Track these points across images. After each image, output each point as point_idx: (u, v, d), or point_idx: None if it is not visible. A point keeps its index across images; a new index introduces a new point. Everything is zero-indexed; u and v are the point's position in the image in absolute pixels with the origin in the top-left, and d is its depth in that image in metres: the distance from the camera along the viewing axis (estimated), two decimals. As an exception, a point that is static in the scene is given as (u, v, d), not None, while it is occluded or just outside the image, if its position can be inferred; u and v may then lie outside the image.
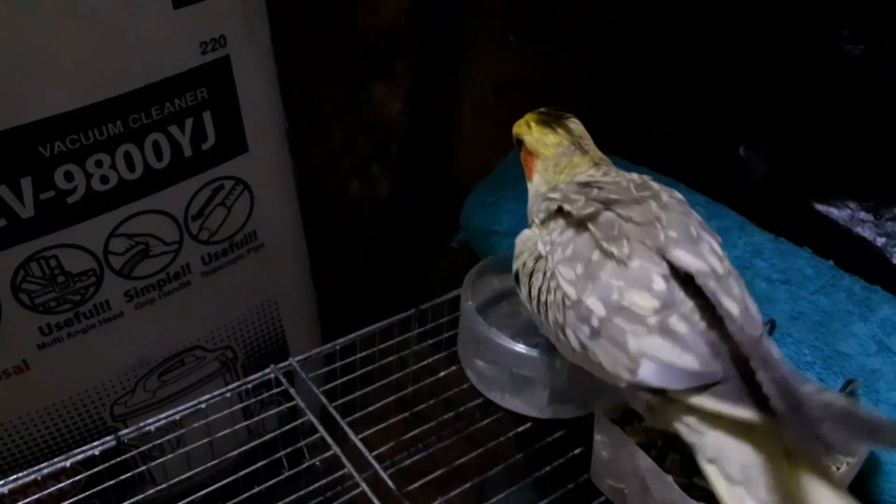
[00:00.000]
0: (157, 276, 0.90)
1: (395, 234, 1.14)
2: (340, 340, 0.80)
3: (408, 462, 0.69)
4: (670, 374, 0.50)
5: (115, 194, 0.81)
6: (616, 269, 0.55)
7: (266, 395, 0.76)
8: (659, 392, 0.51)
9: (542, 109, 0.70)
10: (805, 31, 0.84)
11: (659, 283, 0.53)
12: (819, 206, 0.83)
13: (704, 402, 0.48)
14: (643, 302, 0.53)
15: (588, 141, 0.68)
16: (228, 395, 0.75)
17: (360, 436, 0.70)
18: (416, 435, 0.73)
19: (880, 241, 0.81)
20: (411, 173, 1.16)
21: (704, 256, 0.54)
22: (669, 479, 0.60)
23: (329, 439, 0.69)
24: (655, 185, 0.62)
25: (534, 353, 0.70)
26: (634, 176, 0.64)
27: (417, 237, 1.12)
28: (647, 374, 0.51)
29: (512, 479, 0.69)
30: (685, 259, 0.54)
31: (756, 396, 0.45)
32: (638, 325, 0.52)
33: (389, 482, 0.64)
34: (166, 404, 0.98)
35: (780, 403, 0.43)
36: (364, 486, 0.63)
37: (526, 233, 0.67)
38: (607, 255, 0.56)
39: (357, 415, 0.74)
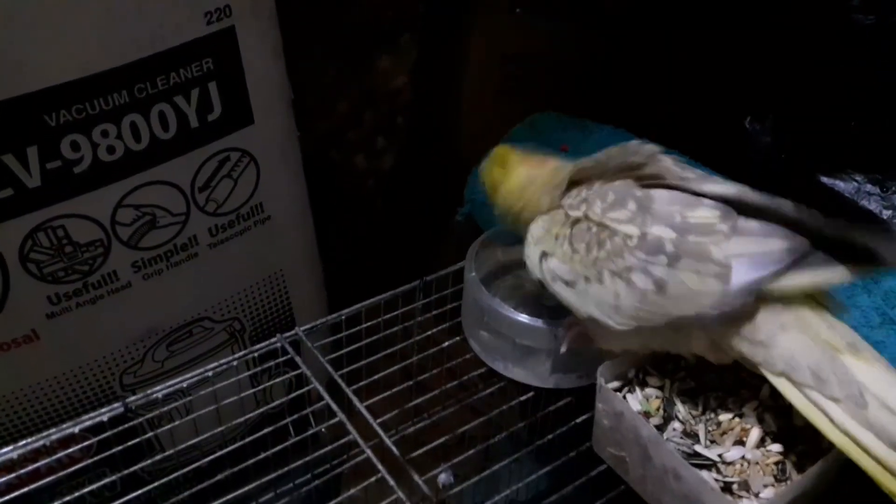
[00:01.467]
0: (164, 248, 0.90)
1: (400, 207, 1.14)
2: (346, 311, 0.80)
3: (412, 430, 0.70)
4: (764, 261, 0.54)
5: (121, 165, 0.81)
6: (666, 196, 0.59)
7: (272, 363, 0.77)
8: (750, 294, 0.54)
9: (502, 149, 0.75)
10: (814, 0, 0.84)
11: (708, 201, 0.58)
12: (825, 179, 0.82)
13: (802, 278, 0.54)
14: (708, 214, 0.57)
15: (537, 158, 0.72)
16: (235, 363, 0.76)
17: (364, 404, 0.70)
18: (420, 404, 0.74)
19: (886, 213, 0.81)
20: (416, 146, 1.16)
21: (728, 183, 0.60)
22: (671, 446, 0.61)
23: (335, 407, 0.69)
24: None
25: (538, 322, 0.70)
26: None
27: (422, 210, 1.12)
28: (742, 271, 0.54)
29: (515, 448, 0.70)
30: (717, 188, 0.59)
31: (848, 254, 0.52)
32: (713, 236, 0.56)
33: (394, 449, 0.65)
34: (175, 374, 0.99)
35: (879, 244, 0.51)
36: (369, 452, 0.63)
37: (535, 224, 0.67)
38: (653, 186, 0.60)
39: (362, 383, 0.75)
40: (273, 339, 0.77)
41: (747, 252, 0.55)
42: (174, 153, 0.85)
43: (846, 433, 0.52)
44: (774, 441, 0.63)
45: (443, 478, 0.73)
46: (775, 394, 0.66)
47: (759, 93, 0.90)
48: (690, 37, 0.99)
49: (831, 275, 0.54)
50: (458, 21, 1.10)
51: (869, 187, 0.81)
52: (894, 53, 0.79)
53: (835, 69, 0.84)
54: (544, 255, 0.65)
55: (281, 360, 0.76)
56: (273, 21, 0.88)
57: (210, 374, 0.74)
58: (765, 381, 0.66)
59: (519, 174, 0.70)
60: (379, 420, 0.69)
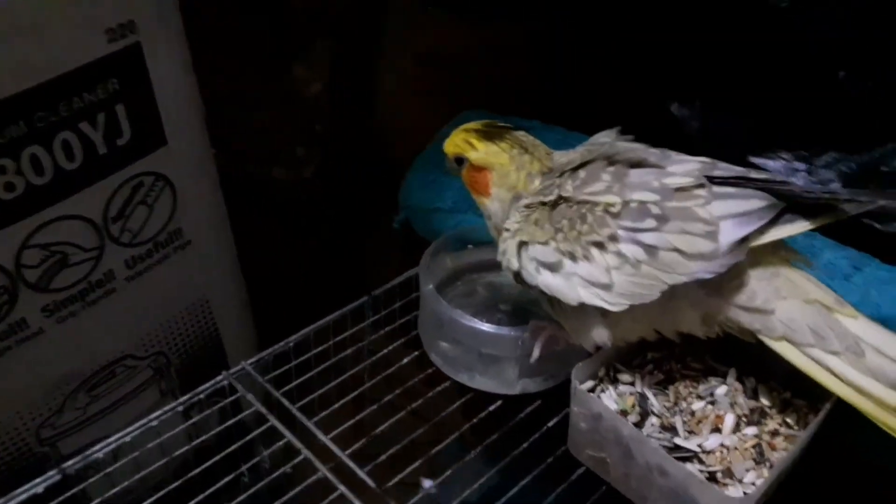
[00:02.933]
0: (77, 287, 0.82)
1: (328, 219, 1.09)
2: (293, 337, 0.75)
3: (383, 457, 0.66)
4: (750, 218, 0.56)
5: (23, 202, 0.73)
6: (640, 170, 0.60)
7: (220, 404, 0.71)
8: (739, 249, 0.56)
9: (473, 126, 0.69)
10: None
11: (679, 170, 0.60)
12: (755, 159, 0.85)
13: (789, 229, 0.56)
14: (685, 180, 0.58)
15: (530, 140, 0.68)
16: (180, 408, 0.69)
17: (329, 436, 0.66)
18: (386, 430, 0.70)
19: (815, 188, 0.84)
20: (338, 154, 1.12)
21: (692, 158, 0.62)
22: (654, 443, 0.61)
23: (298, 444, 0.65)
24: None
25: (504, 330, 0.68)
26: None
27: (352, 220, 1.08)
28: (729, 229, 0.56)
29: (491, 461, 0.67)
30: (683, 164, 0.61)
31: (823, 204, 0.56)
32: (696, 199, 0.57)
33: (370, 481, 0.61)
34: (99, 419, 0.92)
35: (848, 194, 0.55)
36: (345, 490, 0.60)
37: (509, 220, 0.65)
38: (624, 163, 0.61)
39: (323, 414, 0.70)
40: (218, 378, 0.72)
41: (731, 212, 0.57)
42: (82, 184, 0.78)
43: (848, 382, 0.55)
44: (749, 424, 0.64)
45: (427, 484, 0.70)
46: (743, 376, 0.67)
47: (684, 78, 0.92)
48: (609, 25, 0.99)
49: (803, 225, 0.57)
50: (372, 23, 1.06)
51: (797, 164, 0.83)
52: (812, 32, 0.82)
53: (757, 51, 0.86)
54: (523, 244, 0.63)
55: (229, 400, 0.71)
56: (180, 35, 0.82)
57: (155, 422, 0.67)
58: (733, 365, 0.68)
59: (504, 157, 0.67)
60: (347, 452, 0.65)
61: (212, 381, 0.71)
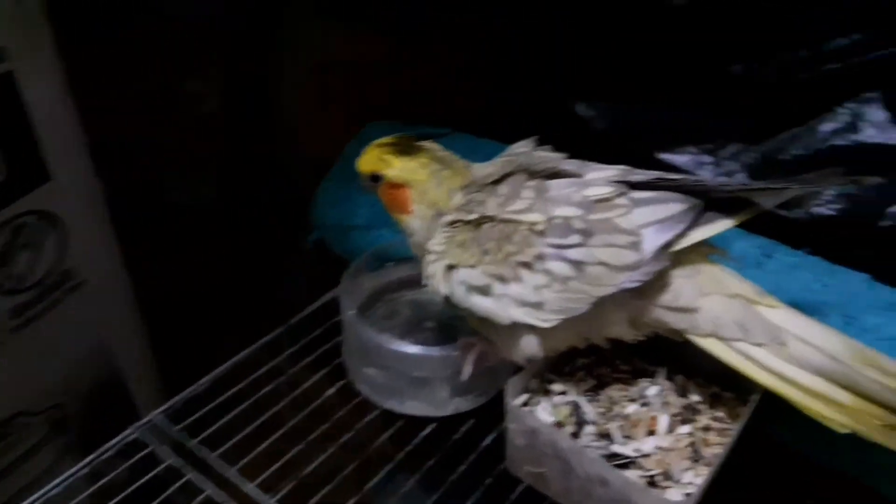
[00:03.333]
0: (-44, 345, 0.75)
1: (234, 245, 1.03)
2: (204, 379, 0.71)
3: (316, 498, 0.63)
4: (671, 223, 0.57)
5: None
6: (559, 181, 0.60)
7: (130, 461, 0.65)
8: (662, 255, 0.56)
9: (387, 141, 0.67)
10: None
11: (598, 179, 0.59)
12: (663, 155, 0.86)
13: (710, 229, 0.58)
14: (605, 190, 0.58)
15: (447, 154, 0.66)
16: (85, 469, 0.63)
17: (255, 483, 0.62)
18: (317, 469, 0.66)
19: (722, 180, 0.85)
20: (240, 173, 1.06)
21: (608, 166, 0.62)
22: (593, 453, 0.60)
23: (220, 495, 0.60)
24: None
25: (432, 351, 0.66)
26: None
27: (261, 243, 1.03)
28: (652, 236, 0.56)
29: (429, 487, 0.65)
30: (601, 172, 0.61)
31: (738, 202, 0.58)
32: (617, 210, 0.57)
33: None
34: (-8, 488, 0.84)
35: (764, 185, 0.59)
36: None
37: (432, 241, 0.63)
38: (542, 175, 0.60)
39: (245, 461, 0.65)
40: (126, 431, 0.66)
41: (652, 219, 0.57)
42: (-47, 231, 0.70)
43: (775, 373, 0.56)
44: (682, 423, 0.64)
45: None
46: (672, 374, 0.67)
47: (587, 78, 0.92)
48: (510, 29, 0.98)
49: (724, 224, 0.59)
50: (266, 33, 1.01)
51: (703, 157, 0.85)
52: (707, 28, 0.83)
53: (656, 48, 0.87)
54: (451, 268, 0.61)
55: (139, 455, 0.65)
56: (56, 60, 0.75)
57: (58, 489, 0.61)
58: (662, 364, 0.68)
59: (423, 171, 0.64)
60: (276, 498, 0.61)
61: (119, 437, 0.65)
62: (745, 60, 0.86)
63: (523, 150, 0.66)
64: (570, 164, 0.62)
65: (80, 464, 0.63)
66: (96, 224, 0.89)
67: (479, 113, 1.00)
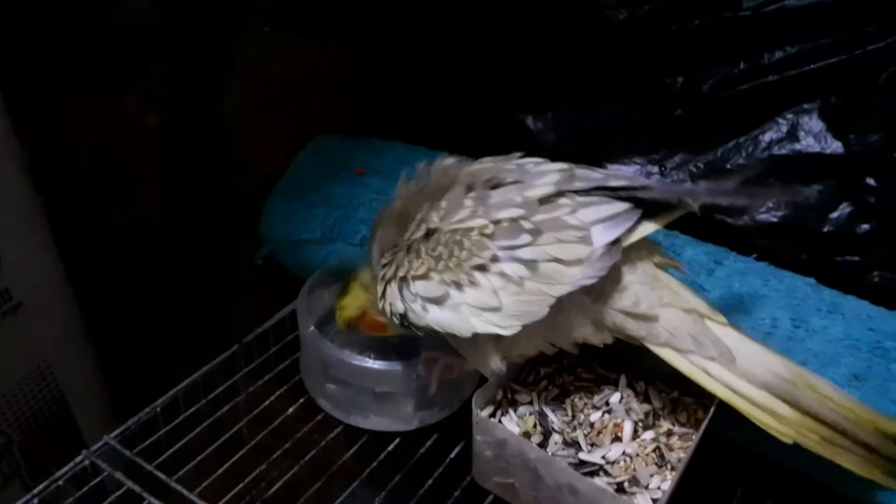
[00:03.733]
0: None
1: (181, 262, 1.00)
2: (159, 401, 0.68)
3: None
4: (619, 220, 0.58)
5: None
6: (501, 189, 0.60)
7: (83, 489, 0.62)
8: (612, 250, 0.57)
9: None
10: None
11: (540, 181, 0.60)
12: (611, 166, 0.87)
13: (647, 228, 0.59)
14: (548, 189, 0.59)
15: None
16: (36, 501, 0.60)
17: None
18: (279, 490, 0.64)
19: (672, 188, 0.88)
20: (185, 189, 1.03)
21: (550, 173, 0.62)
22: (562, 462, 0.60)
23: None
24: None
25: (395, 366, 0.65)
26: None
27: (209, 260, 1.00)
28: (600, 231, 0.57)
29: (397, 501, 0.64)
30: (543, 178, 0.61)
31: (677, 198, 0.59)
32: (563, 209, 0.58)
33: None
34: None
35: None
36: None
37: (383, 269, 0.63)
38: (483, 186, 0.60)
39: (205, 484, 0.63)
40: (78, 458, 0.63)
41: (599, 217, 0.58)
42: None
43: (725, 384, 0.59)
44: (645, 429, 0.65)
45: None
46: (633, 380, 0.69)
47: (535, 92, 0.93)
48: (461, 40, 0.99)
49: (667, 217, 0.60)
50: (209, 46, 0.99)
51: (650, 167, 0.87)
52: (646, 41, 0.86)
53: (596, 61, 0.89)
54: (404, 280, 0.60)
55: (93, 482, 0.62)
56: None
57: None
58: (623, 371, 0.69)
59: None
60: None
61: (71, 463, 0.62)
62: (686, 73, 0.88)
63: (451, 161, 0.66)
64: (510, 173, 0.62)
65: (31, 493, 0.59)
66: (36, 243, 0.85)
67: (431, 125, 1.00)
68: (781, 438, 0.57)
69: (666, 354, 0.60)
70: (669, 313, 0.60)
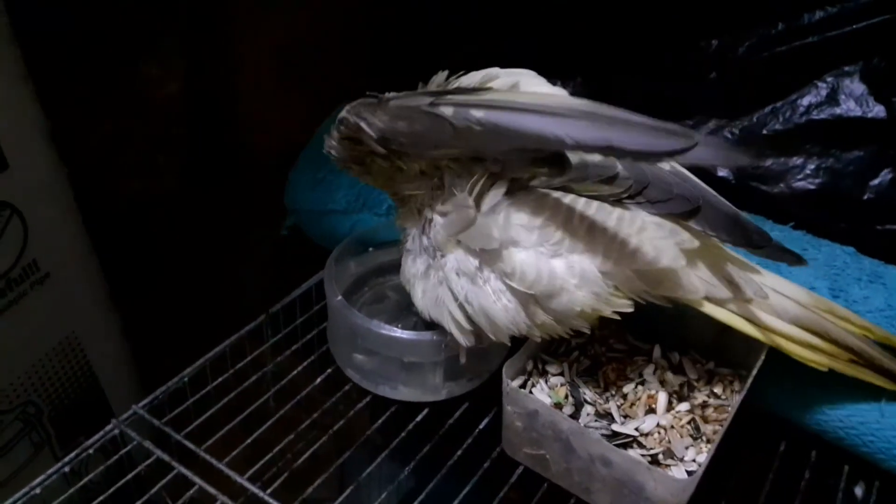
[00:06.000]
0: (-84, 343, 0.71)
1: (200, 232, 1.00)
2: (187, 371, 0.68)
3: (309, 490, 0.61)
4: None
5: None
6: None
7: (115, 457, 0.62)
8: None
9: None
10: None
11: None
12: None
13: None
14: None
15: None
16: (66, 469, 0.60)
17: (245, 476, 0.60)
18: (307, 460, 0.64)
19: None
20: (204, 159, 1.02)
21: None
22: (595, 433, 0.59)
23: (211, 489, 0.58)
24: None
25: (425, 335, 0.64)
26: None
27: (233, 231, 0.99)
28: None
29: (425, 474, 0.63)
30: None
31: None
32: None
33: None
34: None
35: None
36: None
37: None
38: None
39: (234, 454, 0.63)
40: (108, 427, 0.63)
41: None
42: None
43: (764, 326, 0.59)
44: (680, 401, 0.63)
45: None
46: (666, 351, 0.67)
47: (561, 56, 0.90)
48: (475, 10, 0.96)
49: None
50: (224, 14, 0.97)
51: (684, 134, 0.84)
52: (683, 6, 0.83)
53: (632, 25, 0.86)
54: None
55: (123, 451, 0.62)
56: (10, 41, 0.71)
57: (38, 490, 0.58)
58: (656, 341, 0.67)
59: None
60: (269, 491, 0.59)
61: (101, 432, 0.62)
62: (720, 35, 0.85)
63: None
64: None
65: (61, 462, 0.59)
66: (62, 213, 0.85)
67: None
68: (818, 367, 0.60)
69: (707, 308, 0.59)
70: (700, 265, 0.58)
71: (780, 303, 0.60)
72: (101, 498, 0.58)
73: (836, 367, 0.60)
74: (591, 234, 0.56)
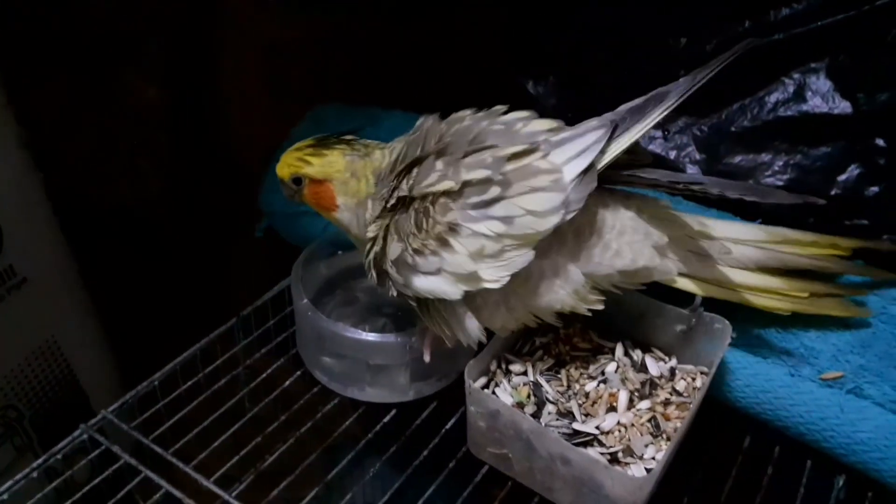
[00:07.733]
0: None
1: (184, 236, 1.01)
2: (157, 374, 0.69)
3: (277, 491, 0.62)
4: (591, 148, 0.58)
5: None
6: (473, 155, 0.59)
7: (86, 459, 0.63)
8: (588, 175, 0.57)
9: (302, 144, 0.66)
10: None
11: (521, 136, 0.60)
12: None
13: (619, 145, 0.59)
14: (518, 147, 0.58)
15: (361, 142, 0.66)
16: (34, 474, 0.61)
17: (212, 479, 0.61)
18: (275, 464, 0.65)
19: (672, 153, 0.86)
20: (185, 163, 1.03)
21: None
22: (554, 433, 0.60)
23: (178, 493, 0.59)
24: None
25: (389, 338, 0.65)
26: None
27: (210, 233, 1.00)
28: (573, 165, 0.58)
29: (392, 472, 0.64)
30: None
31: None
32: (532, 156, 0.58)
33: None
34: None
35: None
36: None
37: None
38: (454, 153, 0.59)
39: (202, 456, 0.64)
40: (76, 433, 0.64)
41: (570, 153, 0.58)
42: None
43: (734, 285, 0.65)
44: (641, 398, 0.64)
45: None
46: (629, 349, 0.68)
47: (535, 56, 0.91)
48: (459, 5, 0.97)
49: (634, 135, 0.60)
50: (210, 17, 0.98)
51: (652, 131, 0.85)
52: (651, 5, 0.83)
53: (600, 26, 0.86)
54: (382, 251, 0.61)
55: (94, 454, 0.63)
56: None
57: (5, 496, 0.59)
58: (617, 339, 0.68)
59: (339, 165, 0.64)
60: (234, 493, 0.60)
61: (69, 438, 0.63)
62: (689, 33, 0.86)
63: (430, 121, 0.65)
64: (492, 134, 0.61)
65: (31, 466, 0.60)
66: (38, 218, 0.85)
67: (431, 92, 0.99)
68: (782, 312, 0.66)
69: (681, 284, 0.64)
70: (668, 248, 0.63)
71: (741, 252, 0.65)
72: (75, 497, 0.59)
73: (798, 310, 0.66)
74: (577, 238, 0.61)
